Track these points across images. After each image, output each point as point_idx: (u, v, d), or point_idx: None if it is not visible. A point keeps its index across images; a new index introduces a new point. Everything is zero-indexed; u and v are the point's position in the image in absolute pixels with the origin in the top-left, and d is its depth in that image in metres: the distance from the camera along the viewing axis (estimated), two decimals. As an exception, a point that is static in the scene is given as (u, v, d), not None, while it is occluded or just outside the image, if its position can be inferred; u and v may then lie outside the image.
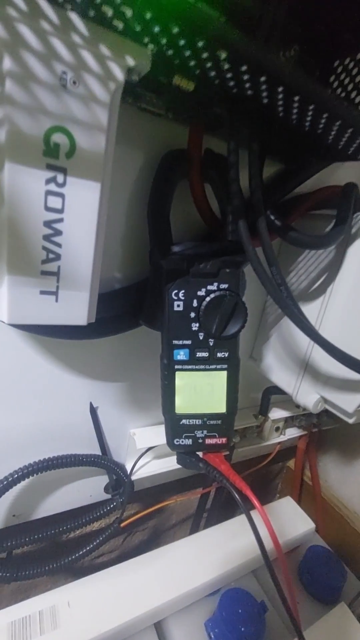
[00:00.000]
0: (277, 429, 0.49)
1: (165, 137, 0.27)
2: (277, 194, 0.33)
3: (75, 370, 0.32)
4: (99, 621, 0.30)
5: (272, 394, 0.44)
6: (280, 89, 0.18)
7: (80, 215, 0.18)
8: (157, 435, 0.38)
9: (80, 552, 0.36)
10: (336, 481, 0.57)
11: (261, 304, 0.41)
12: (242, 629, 0.32)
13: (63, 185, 0.17)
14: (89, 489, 0.38)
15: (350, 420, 0.33)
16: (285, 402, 0.49)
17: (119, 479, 0.38)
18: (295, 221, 0.33)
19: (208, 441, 0.28)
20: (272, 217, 0.27)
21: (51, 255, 0.18)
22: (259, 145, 0.23)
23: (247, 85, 0.18)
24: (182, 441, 0.28)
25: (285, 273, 0.37)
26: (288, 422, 0.51)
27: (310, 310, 0.34)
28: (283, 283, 0.25)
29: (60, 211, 0.17)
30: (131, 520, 0.40)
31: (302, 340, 0.35)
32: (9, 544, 0.33)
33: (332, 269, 0.31)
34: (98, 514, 0.37)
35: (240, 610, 0.33)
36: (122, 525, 0.39)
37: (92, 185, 0.17)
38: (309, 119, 0.21)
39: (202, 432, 0.28)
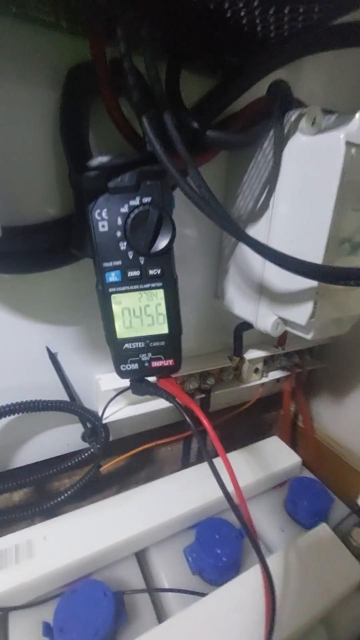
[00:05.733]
0: (257, 370, 0.48)
1: (69, 55, 0.26)
2: (210, 112, 0.31)
3: (22, 313, 0.32)
4: (75, 549, 0.31)
5: (243, 330, 0.43)
6: None
7: None
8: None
9: (60, 498, 0.37)
10: (328, 421, 0.56)
11: (217, 240, 0.40)
12: (219, 551, 0.32)
13: None
14: (65, 437, 0.39)
15: (309, 336, 0.32)
16: (263, 343, 0.48)
17: (94, 427, 0.39)
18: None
19: (154, 364, 0.28)
20: (189, 119, 0.26)
21: None
22: (149, 34, 0.21)
23: None
24: (129, 366, 0.28)
25: (233, 198, 0.35)
26: (269, 363, 0.50)
27: (259, 229, 0.32)
28: (203, 184, 0.24)
29: None
30: (111, 464, 0.40)
31: (256, 262, 0.34)
32: (-13, 491, 0.34)
33: (272, 179, 0.30)
34: (75, 461, 0.38)
35: (217, 536, 0.34)
36: (101, 469, 0.40)
37: None
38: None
39: (147, 355, 0.28)
